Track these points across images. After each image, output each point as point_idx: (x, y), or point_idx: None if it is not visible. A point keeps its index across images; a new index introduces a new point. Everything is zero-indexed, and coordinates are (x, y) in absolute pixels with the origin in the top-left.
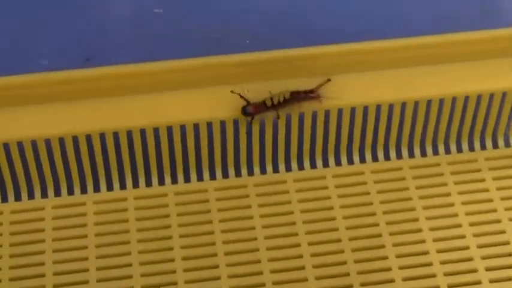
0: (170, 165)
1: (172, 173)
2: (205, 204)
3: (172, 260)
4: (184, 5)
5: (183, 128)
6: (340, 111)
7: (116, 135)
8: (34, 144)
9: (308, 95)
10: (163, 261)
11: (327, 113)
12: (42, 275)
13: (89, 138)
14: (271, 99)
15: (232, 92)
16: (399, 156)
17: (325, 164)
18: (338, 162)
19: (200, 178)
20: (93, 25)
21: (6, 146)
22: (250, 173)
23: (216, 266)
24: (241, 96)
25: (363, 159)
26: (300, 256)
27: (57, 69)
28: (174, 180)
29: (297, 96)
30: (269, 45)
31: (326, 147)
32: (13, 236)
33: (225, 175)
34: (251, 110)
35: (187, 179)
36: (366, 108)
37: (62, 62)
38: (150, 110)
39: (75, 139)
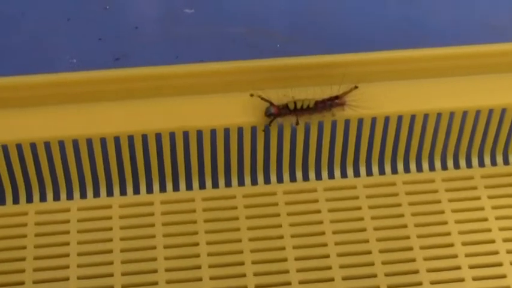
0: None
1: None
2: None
3: (155, 272)
4: (216, 6)
5: (199, 133)
6: (360, 121)
7: (131, 138)
8: (47, 145)
9: (334, 101)
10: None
11: (347, 122)
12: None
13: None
14: (295, 103)
15: (251, 95)
16: (394, 171)
17: (343, 174)
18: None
19: (229, 184)
20: (124, 24)
21: (32, 146)
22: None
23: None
24: (262, 98)
25: (394, 170)
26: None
27: (86, 68)
28: (163, 188)
29: (322, 105)
30: (300, 49)
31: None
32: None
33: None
34: (274, 110)
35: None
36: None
37: (91, 61)
38: (166, 114)
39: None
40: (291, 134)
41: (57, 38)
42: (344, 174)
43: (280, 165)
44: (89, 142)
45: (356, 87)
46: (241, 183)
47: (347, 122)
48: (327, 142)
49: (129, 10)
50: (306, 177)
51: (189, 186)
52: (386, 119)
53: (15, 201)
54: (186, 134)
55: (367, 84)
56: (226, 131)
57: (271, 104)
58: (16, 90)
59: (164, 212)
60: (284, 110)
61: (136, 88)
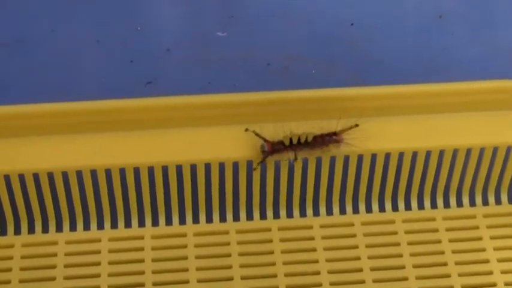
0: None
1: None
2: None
3: None
4: (249, 30)
5: (193, 167)
6: (360, 157)
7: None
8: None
9: (332, 137)
10: None
11: (346, 158)
12: None
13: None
14: (291, 138)
15: (246, 130)
16: (395, 208)
17: (342, 211)
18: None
19: (223, 219)
20: (155, 46)
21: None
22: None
23: None
24: (256, 134)
25: (395, 208)
26: None
27: (116, 91)
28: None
29: (321, 140)
30: (335, 77)
31: (331, 194)
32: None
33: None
34: (267, 148)
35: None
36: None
37: (122, 83)
38: (156, 147)
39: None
40: (288, 170)
41: (87, 59)
42: (343, 211)
43: (276, 201)
44: (79, 174)
45: (357, 125)
46: (236, 218)
47: (346, 158)
48: (325, 178)
49: (160, 32)
50: (303, 214)
51: (182, 221)
52: (387, 156)
53: (3, 233)
54: (179, 168)
55: (366, 119)
56: (221, 166)
57: (265, 140)
58: (8, 120)
59: (155, 247)
60: (278, 146)
61: (130, 120)
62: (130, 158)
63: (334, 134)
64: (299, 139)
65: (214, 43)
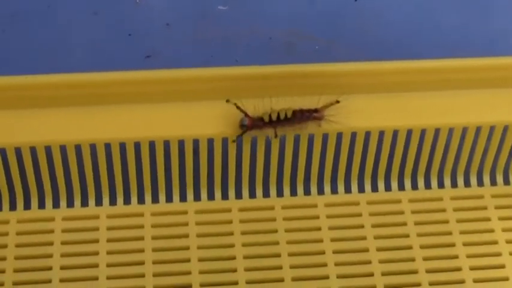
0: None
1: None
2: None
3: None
4: (250, 3)
5: (195, 142)
6: (339, 136)
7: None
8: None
9: (312, 114)
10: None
11: (325, 136)
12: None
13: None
14: (270, 115)
15: (227, 101)
16: (401, 188)
17: (347, 190)
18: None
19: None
20: (154, 20)
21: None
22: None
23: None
24: (237, 107)
25: (401, 187)
26: None
27: (116, 65)
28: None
29: (300, 116)
30: (339, 53)
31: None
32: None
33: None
34: (247, 122)
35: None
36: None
37: (121, 58)
38: (138, 123)
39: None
40: (293, 146)
41: (84, 32)
42: (348, 190)
43: (280, 179)
44: (78, 148)
45: (337, 101)
46: (238, 196)
47: (353, 135)
48: (330, 156)
49: (159, 5)
50: (307, 192)
51: (182, 198)
52: (395, 134)
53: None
54: (182, 143)
55: (349, 96)
56: (225, 141)
57: (246, 114)
58: (4, 91)
59: (155, 225)
60: (258, 122)
61: (124, 93)
62: (130, 132)
63: (315, 110)
64: (278, 115)
65: (215, 17)
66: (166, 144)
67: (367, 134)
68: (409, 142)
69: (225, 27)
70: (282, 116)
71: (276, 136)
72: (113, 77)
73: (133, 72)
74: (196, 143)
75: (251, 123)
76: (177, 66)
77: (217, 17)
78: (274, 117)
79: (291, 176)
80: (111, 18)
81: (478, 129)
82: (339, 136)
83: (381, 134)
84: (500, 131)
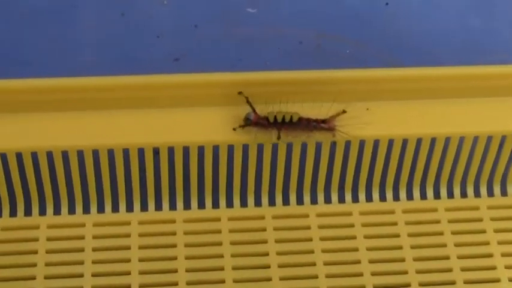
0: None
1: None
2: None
3: None
4: (279, 6)
5: (185, 149)
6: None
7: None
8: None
9: (319, 124)
10: None
11: (333, 145)
12: None
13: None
14: (275, 116)
15: (239, 93)
16: (396, 198)
17: (341, 199)
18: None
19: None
20: (182, 21)
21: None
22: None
23: None
24: (247, 102)
25: (396, 197)
26: None
27: (143, 66)
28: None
29: (306, 123)
30: (369, 57)
31: (315, 183)
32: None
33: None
34: (252, 117)
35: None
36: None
37: (151, 60)
38: (146, 127)
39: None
40: (286, 155)
41: (112, 34)
42: (342, 200)
43: (272, 188)
44: (65, 155)
45: (344, 111)
46: (229, 204)
47: (347, 145)
48: (324, 165)
49: (188, 7)
50: (300, 202)
51: (172, 206)
52: (390, 143)
53: None
54: (171, 151)
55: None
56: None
57: (254, 110)
58: (34, 94)
59: (142, 234)
60: (263, 121)
61: (116, 99)
62: (119, 139)
63: (323, 121)
64: (284, 118)
65: (243, 19)
66: (156, 151)
67: (361, 143)
68: (404, 152)
69: (254, 29)
70: (288, 119)
71: (278, 138)
72: (104, 82)
73: (125, 77)
74: (186, 150)
75: (256, 120)
76: (205, 69)
77: (246, 20)
78: (279, 119)
79: (283, 184)
80: (138, 20)
81: (475, 139)
82: (333, 145)
83: (376, 143)
84: (498, 141)
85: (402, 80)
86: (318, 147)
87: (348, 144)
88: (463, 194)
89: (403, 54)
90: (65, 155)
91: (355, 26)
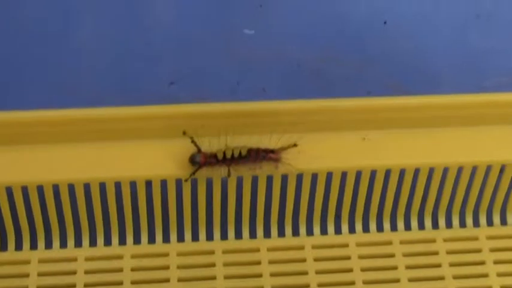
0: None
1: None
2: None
3: None
4: (278, 28)
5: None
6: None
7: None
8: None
9: (268, 154)
10: None
11: (285, 178)
12: None
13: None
14: (224, 152)
15: (184, 133)
16: (393, 228)
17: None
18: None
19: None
20: (180, 43)
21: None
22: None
23: None
24: (192, 141)
25: (394, 228)
26: None
27: (139, 90)
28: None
29: (255, 155)
30: (368, 80)
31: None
32: None
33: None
34: (200, 159)
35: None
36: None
37: (147, 84)
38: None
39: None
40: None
41: (109, 56)
42: (338, 231)
43: (267, 219)
44: (55, 188)
45: (295, 145)
46: (223, 236)
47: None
48: (292, 196)
49: (184, 27)
50: (295, 232)
51: (165, 239)
52: (387, 173)
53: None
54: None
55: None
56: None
57: (199, 150)
58: (20, 127)
59: (135, 268)
60: (211, 159)
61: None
62: (111, 172)
63: (272, 151)
64: (233, 153)
65: (241, 41)
66: (149, 183)
67: (314, 177)
68: (401, 182)
69: (251, 52)
70: (237, 154)
71: (229, 175)
72: (91, 113)
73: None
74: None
75: (204, 160)
76: (202, 93)
77: (243, 41)
78: (228, 155)
79: (278, 215)
80: (135, 42)
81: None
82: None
83: (373, 173)
84: (497, 171)
85: (371, 110)
86: (314, 179)
87: (343, 175)
88: (462, 224)
89: (403, 75)
90: (56, 188)
91: (353, 47)
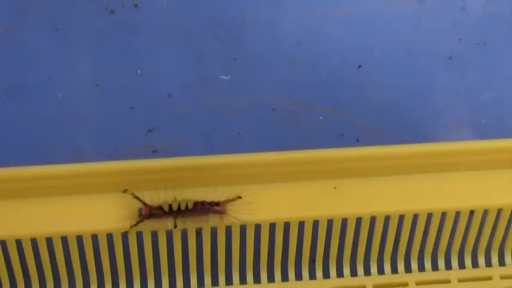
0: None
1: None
2: None
3: None
4: (252, 73)
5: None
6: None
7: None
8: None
9: (213, 207)
10: None
11: (229, 230)
12: None
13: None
14: (170, 205)
15: (125, 191)
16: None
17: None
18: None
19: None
20: (156, 91)
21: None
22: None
23: None
24: (135, 197)
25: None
26: None
27: (117, 138)
28: None
29: (201, 208)
30: (344, 123)
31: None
32: None
33: None
34: (144, 212)
35: None
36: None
37: (122, 132)
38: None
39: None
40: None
41: (86, 106)
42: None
43: (271, 264)
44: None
45: (239, 197)
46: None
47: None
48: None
49: (161, 75)
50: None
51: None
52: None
53: None
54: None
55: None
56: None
57: (144, 204)
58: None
59: None
60: (157, 211)
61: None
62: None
63: (217, 204)
64: (179, 206)
65: (217, 87)
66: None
67: (272, 226)
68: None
69: (227, 97)
70: (183, 207)
71: (175, 227)
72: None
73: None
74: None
75: (148, 213)
76: (180, 140)
77: (219, 87)
78: (174, 207)
79: (281, 260)
80: (112, 90)
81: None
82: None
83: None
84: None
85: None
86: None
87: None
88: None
89: (378, 119)
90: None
91: (328, 91)
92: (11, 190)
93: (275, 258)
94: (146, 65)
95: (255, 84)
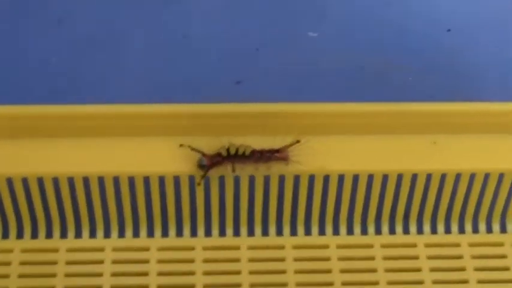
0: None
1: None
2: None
3: None
4: (341, 32)
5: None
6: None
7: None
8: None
9: (273, 154)
10: None
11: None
12: None
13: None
14: (228, 149)
15: (181, 145)
16: (378, 232)
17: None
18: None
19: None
20: (244, 46)
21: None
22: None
23: None
24: (192, 149)
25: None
26: None
27: (205, 89)
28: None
29: (259, 156)
30: (432, 86)
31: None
32: None
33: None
34: (206, 161)
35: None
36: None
37: (211, 83)
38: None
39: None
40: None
41: (173, 57)
42: (322, 232)
43: (294, 218)
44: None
45: (298, 141)
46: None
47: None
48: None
49: (249, 29)
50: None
51: (193, 233)
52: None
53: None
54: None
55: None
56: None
57: (203, 154)
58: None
59: (160, 260)
60: (217, 159)
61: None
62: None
63: (277, 151)
64: (237, 150)
65: (305, 44)
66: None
67: (326, 178)
68: (414, 186)
69: (314, 54)
70: (241, 152)
71: (233, 171)
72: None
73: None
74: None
75: (210, 162)
76: (266, 94)
77: (307, 44)
78: (232, 152)
79: (305, 214)
80: (200, 42)
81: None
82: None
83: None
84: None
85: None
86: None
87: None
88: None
89: (466, 82)
90: (86, 180)
91: (416, 53)
92: (68, 128)
93: (341, 211)
94: (236, 19)
95: (343, 42)
